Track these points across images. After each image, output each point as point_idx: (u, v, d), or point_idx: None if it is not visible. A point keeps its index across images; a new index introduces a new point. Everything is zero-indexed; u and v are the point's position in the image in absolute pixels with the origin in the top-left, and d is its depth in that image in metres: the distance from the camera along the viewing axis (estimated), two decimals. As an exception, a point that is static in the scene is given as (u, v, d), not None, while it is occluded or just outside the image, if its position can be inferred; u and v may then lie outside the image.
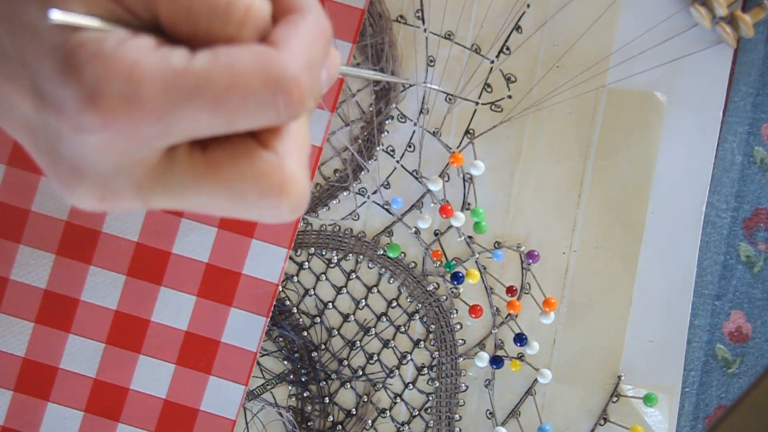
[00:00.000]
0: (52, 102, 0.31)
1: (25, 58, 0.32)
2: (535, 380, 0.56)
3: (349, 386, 0.56)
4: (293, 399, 0.57)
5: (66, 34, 0.31)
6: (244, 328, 0.55)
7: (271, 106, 0.32)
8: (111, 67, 0.31)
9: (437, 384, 0.57)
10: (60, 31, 0.31)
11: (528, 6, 0.56)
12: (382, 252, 0.56)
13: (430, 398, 0.56)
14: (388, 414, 0.56)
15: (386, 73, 0.56)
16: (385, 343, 0.57)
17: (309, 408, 0.56)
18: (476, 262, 0.56)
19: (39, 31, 0.31)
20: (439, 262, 0.56)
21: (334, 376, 0.56)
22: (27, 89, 0.32)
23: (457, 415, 0.56)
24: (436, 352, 0.57)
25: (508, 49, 0.56)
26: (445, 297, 0.57)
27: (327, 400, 0.56)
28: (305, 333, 0.56)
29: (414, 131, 0.57)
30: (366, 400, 0.56)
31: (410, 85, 0.56)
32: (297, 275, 0.56)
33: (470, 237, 0.56)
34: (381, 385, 0.57)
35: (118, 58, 0.31)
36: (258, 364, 0.56)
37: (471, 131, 0.56)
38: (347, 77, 0.56)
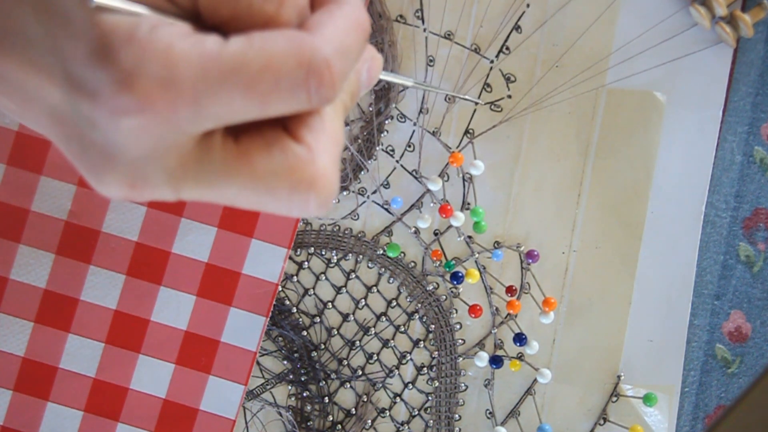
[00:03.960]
0: (84, 87, 0.32)
1: (57, 44, 0.32)
2: (535, 380, 0.56)
3: (348, 386, 0.56)
4: (293, 399, 0.56)
5: (98, 19, 0.31)
6: (243, 328, 0.55)
7: (303, 87, 0.32)
8: (146, 51, 0.31)
9: (437, 384, 0.57)
10: (91, 16, 0.31)
11: (528, 6, 0.56)
12: (381, 252, 0.56)
13: (430, 398, 0.56)
14: (388, 414, 0.56)
15: (409, 79, 0.56)
16: (385, 343, 0.57)
17: (309, 408, 0.56)
18: (476, 261, 0.56)
19: (70, 17, 0.32)
20: (438, 262, 0.56)
21: (333, 375, 0.56)
22: (57, 77, 0.32)
23: (456, 415, 0.56)
24: (436, 352, 0.57)
25: (507, 48, 0.56)
26: (444, 297, 0.57)
27: (327, 399, 0.56)
28: (305, 333, 0.56)
29: (414, 131, 0.57)
30: (366, 399, 0.56)
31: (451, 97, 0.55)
32: (297, 275, 0.56)
33: (470, 237, 0.56)
34: (381, 385, 0.57)
35: (153, 41, 0.31)
36: (258, 363, 0.56)
37: (471, 131, 0.56)
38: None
